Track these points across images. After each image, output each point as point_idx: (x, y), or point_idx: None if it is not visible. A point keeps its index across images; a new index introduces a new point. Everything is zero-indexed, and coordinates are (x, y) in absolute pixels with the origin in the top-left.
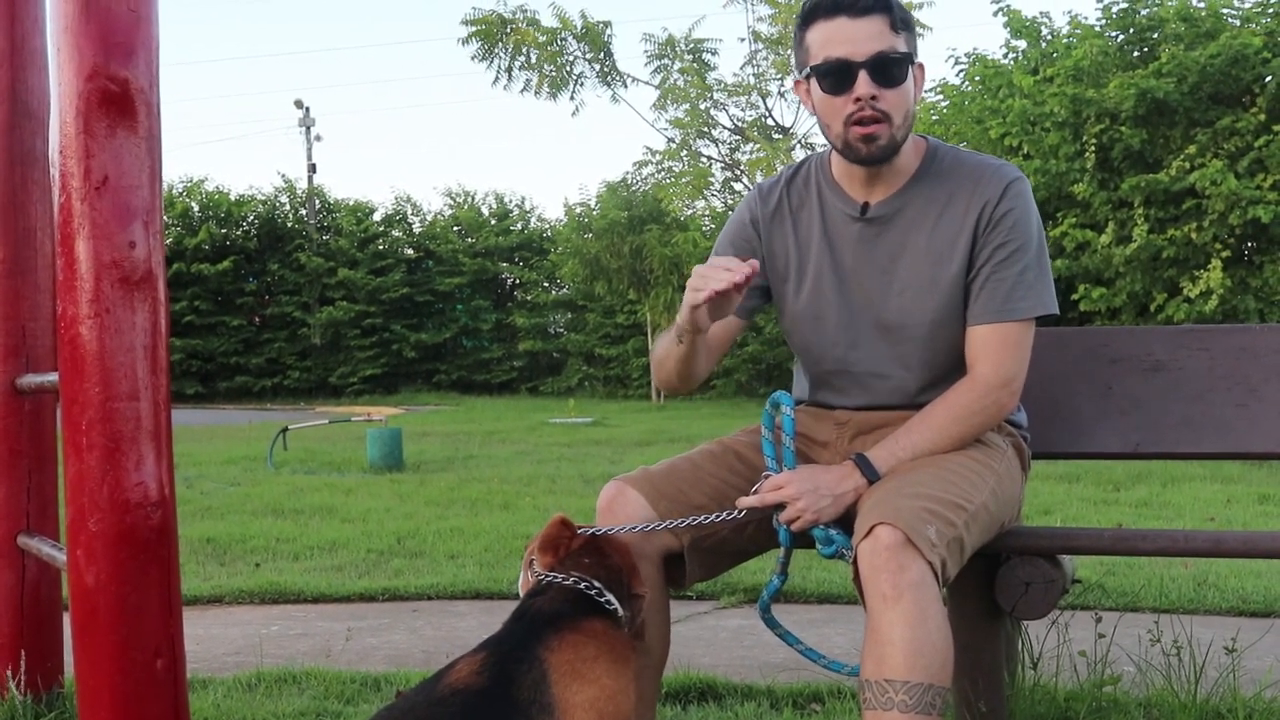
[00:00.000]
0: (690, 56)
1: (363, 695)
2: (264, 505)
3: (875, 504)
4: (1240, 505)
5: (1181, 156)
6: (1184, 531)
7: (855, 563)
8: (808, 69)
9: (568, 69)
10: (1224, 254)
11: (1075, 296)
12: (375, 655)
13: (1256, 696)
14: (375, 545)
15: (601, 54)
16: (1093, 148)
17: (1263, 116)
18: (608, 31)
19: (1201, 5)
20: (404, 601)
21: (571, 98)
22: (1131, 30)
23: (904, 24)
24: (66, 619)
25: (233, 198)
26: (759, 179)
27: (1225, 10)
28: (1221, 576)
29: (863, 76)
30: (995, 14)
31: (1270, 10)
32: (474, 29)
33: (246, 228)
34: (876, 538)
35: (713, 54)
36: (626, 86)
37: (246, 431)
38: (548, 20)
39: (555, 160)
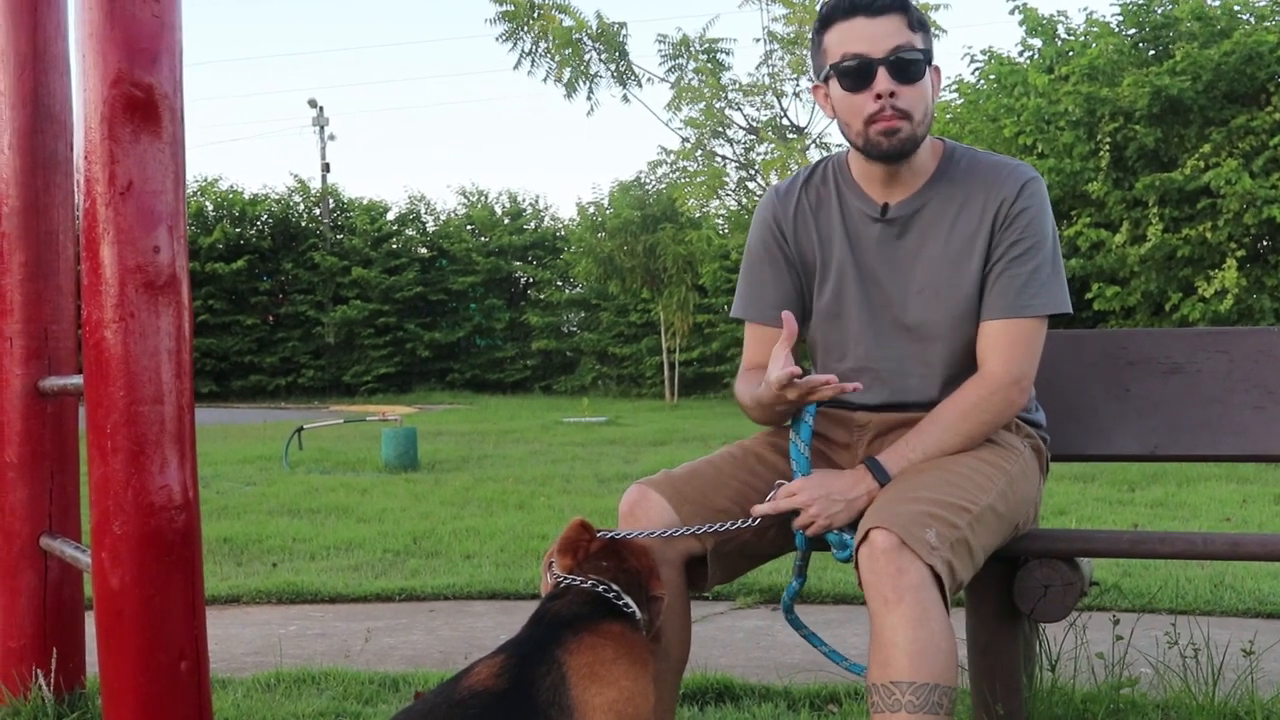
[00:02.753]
0: (705, 56)
1: (381, 696)
2: (280, 505)
3: (874, 510)
4: (1257, 505)
5: (1196, 155)
6: (1202, 534)
7: (858, 568)
8: (827, 69)
9: (583, 68)
10: (1239, 253)
11: (1089, 295)
12: (393, 655)
13: (1275, 699)
14: (391, 545)
15: (616, 54)
16: (1107, 146)
17: (1278, 115)
18: (623, 32)
19: (1216, 3)
20: (421, 602)
21: (588, 97)
22: (1146, 28)
23: (920, 24)
24: (88, 620)
25: (247, 197)
26: (774, 178)
27: (1239, 8)
28: (1239, 578)
29: (882, 73)
30: (1011, 12)
31: None
32: (503, 8)
33: (261, 227)
34: (872, 543)
35: (727, 54)
36: (641, 86)
37: (261, 431)
38: (565, 20)
39: (569, 159)
